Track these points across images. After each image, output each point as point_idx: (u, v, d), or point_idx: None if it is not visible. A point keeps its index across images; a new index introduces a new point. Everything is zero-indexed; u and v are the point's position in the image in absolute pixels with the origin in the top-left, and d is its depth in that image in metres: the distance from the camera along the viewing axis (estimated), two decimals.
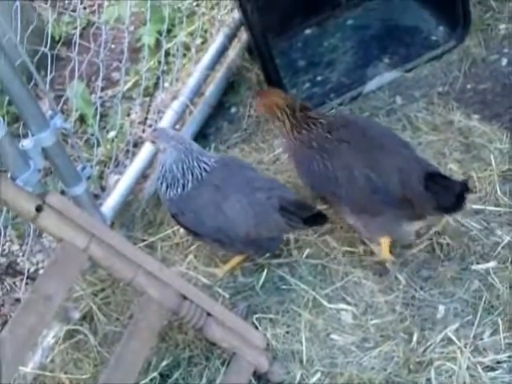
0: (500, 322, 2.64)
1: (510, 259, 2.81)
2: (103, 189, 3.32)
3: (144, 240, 3.13)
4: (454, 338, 2.64)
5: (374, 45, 3.81)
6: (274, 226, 2.75)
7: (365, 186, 2.73)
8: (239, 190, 2.75)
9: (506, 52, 3.62)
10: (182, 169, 2.76)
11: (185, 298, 2.45)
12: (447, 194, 2.63)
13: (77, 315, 2.91)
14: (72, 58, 3.16)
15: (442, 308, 2.74)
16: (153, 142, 2.85)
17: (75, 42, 3.18)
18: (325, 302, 2.82)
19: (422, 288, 2.80)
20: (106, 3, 3.72)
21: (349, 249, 2.95)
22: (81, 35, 3.27)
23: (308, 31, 3.96)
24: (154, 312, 2.39)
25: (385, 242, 2.86)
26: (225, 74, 3.73)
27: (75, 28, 3.57)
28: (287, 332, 2.77)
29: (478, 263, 2.84)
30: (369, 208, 2.78)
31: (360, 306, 2.80)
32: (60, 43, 3.81)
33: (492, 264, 2.82)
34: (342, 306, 2.82)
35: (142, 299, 2.41)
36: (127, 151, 3.40)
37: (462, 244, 2.89)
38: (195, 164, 2.77)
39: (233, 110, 3.69)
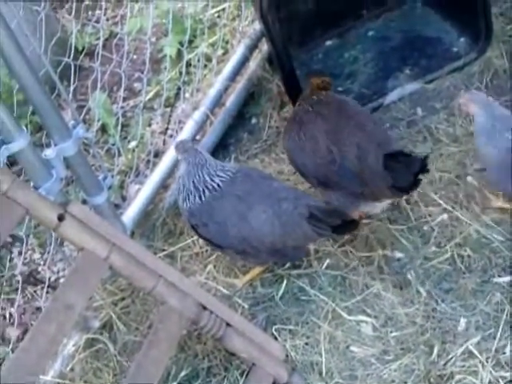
0: None
1: None
2: (124, 198, 3.34)
3: (164, 250, 3.14)
4: (475, 352, 2.62)
5: (394, 56, 3.82)
6: (302, 235, 2.74)
7: (325, 157, 2.84)
8: (263, 201, 2.75)
9: None
10: (193, 182, 2.78)
11: (204, 308, 2.45)
12: (405, 172, 2.66)
13: (97, 324, 2.92)
14: (95, 69, 3.18)
15: (463, 321, 2.73)
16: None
17: (98, 53, 3.20)
18: (344, 314, 2.81)
19: (443, 300, 2.79)
20: (128, 14, 3.75)
21: (367, 254, 2.97)
22: (103, 46, 3.31)
23: (329, 42, 3.97)
24: (173, 321, 2.40)
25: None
26: (245, 85, 3.74)
27: (98, 39, 3.59)
28: (306, 343, 2.76)
29: (499, 276, 2.82)
30: (328, 181, 2.88)
31: (380, 318, 2.79)
32: (83, 54, 3.85)
33: None
34: (362, 317, 2.81)
35: (162, 309, 2.42)
36: (148, 161, 3.41)
37: (484, 256, 2.88)
38: (206, 178, 2.78)
39: (253, 120, 3.70)
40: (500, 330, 2.66)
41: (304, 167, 2.97)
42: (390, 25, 3.98)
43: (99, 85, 3.22)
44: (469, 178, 3.14)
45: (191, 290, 2.43)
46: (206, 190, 2.77)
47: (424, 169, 2.66)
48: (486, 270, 2.84)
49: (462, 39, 3.76)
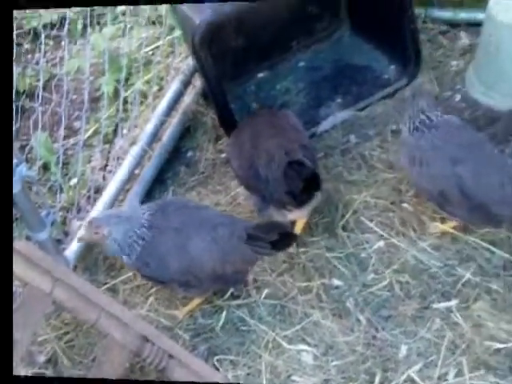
0: (464, 362, 2.63)
1: (472, 297, 2.81)
2: (66, 234, 3.33)
3: (106, 283, 3.13)
4: (417, 379, 2.62)
5: (326, 85, 3.84)
6: (240, 258, 2.75)
7: (247, 160, 3.05)
8: (201, 229, 2.76)
9: (458, 88, 3.65)
10: (135, 233, 2.76)
11: (146, 339, 2.47)
12: (297, 179, 2.84)
13: (42, 359, 2.89)
14: (36, 109, 3.20)
15: (404, 348, 2.72)
16: (97, 234, 2.78)
17: (38, 94, 3.23)
18: (284, 343, 2.81)
19: (383, 328, 2.79)
20: (66, 56, 3.78)
21: (305, 283, 2.97)
22: (44, 87, 3.32)
23: (261, 75, 3.97)
24: (116, 354, 2.41)
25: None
26: (181, 120, 3.78)
27: (38, 80, 3.60)
28: (248, 374, 2.76)
29: (438, 301, 2.83)
30: (248, 183, 3.11)
31: (320, 347, 2.78)
32: (24, 95, 3.85)
33: (453, 302, 2.82)
34: (302, 346, 2.80)
35: (105, 341, 2.44)
36: (89, 197, 3.41)
37: (422, 282, 2.89)
38: (143, 218, 2.77)
39: (189, 153, 3.72)
40: (441, 356, 2.65)
41: (232, 168, 3.21)
42: (319, 55, 4.00)
43: (40, 124, 3.24)
44: (404, 204, 3.16)
45: (133, 323, 2.46)
46: (146, 231, 2.77)
47: (316, 181, 2.89)
48: (425, 296, 2.84)
49: (392, 66, 3.78)
